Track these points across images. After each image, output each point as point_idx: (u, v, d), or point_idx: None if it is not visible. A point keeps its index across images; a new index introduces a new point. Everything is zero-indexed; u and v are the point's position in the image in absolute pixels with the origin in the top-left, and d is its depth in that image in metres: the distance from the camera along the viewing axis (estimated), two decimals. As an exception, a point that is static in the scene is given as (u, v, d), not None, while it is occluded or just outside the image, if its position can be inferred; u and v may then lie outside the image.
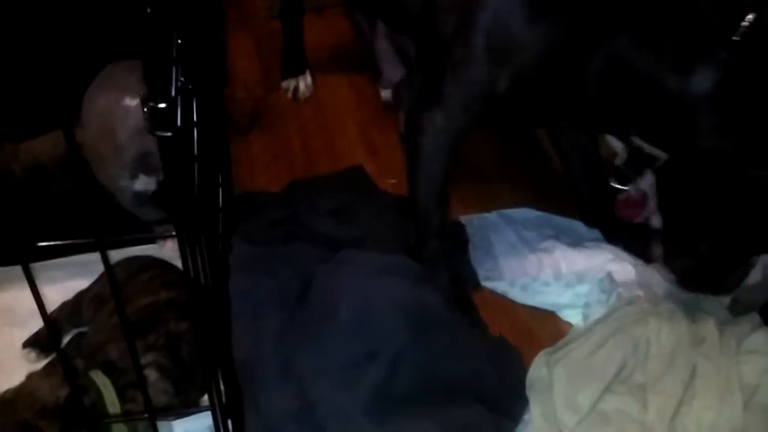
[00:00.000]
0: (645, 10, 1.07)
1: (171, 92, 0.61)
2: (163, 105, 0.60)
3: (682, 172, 1.17)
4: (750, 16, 0.98)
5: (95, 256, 0.78)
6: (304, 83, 1.92)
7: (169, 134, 0.61)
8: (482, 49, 1.12)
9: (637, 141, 1.15)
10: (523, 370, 1.25)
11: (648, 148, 1.14)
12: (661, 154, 1.15)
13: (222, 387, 1.13)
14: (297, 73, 1.92)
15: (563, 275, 1.39)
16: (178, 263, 0.77)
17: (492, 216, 1.55)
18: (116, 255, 1.32)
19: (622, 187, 1.28)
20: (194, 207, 0.69)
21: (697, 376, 1.19)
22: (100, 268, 1.31)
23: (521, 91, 1.16)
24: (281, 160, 1.79)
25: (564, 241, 1.47)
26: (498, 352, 1.28)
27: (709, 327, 1.26)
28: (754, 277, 1.27)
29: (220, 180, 1.24)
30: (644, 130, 1.14)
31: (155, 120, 0.60)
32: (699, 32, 1.03)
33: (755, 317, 1.29)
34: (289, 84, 1.93)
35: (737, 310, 1.30)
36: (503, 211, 1.57)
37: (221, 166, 1.36)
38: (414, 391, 1.15)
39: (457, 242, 1.47)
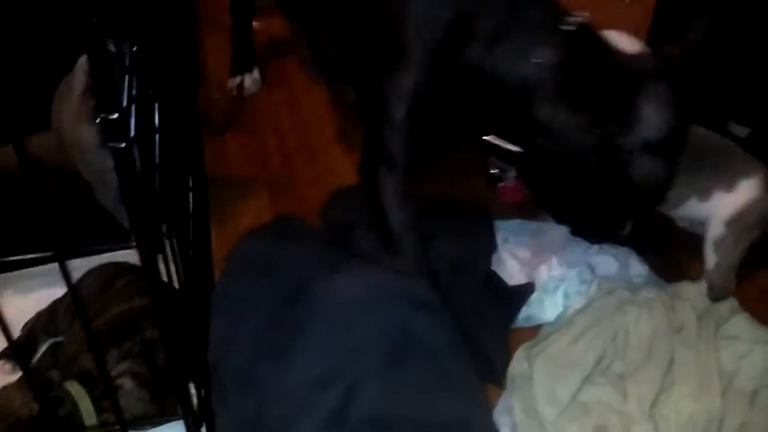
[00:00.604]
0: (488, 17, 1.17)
1: (123, 102, 0.60)
2: (115, 115, 0.59)
3: (537, 162, 1.28)
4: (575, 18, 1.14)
5: (72, 264, 0.77)
6: (251, 79, 1.92)
7: (123, 145, 0.60)
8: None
9: (493, 139, 1.28)
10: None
11: (504, 143, 1.28)
12: (515, 148, 1.28)
13: (201, 392, 1.13)
14: (244, 70, 1.92)
15: (548, 283, 1.37)
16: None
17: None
18: (92, 261, 1.31)
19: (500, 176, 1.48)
20: (153, 218, 0.68)
21: (676, 364, 1.20)
22: (76, 276, 1.32)
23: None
24: (257, 160, 1.77)
25: (545, 246, 1.45)
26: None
27: (687, 314, 1.26)
28: (711, 260, 1.33)
29: (191, 184, 1.22)
30: (497, 128, 1.29)
31: (107, 131, 0.59)
32: (531, 35, 1.16)
33: (733, 302, 1.29)
34: (234, 81, 1.92)
35: (715, 293, 1.31)
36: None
37: (193, 169, 1.34)
38: (374, 427, 1.07)
39: (503, 304, 1.37)
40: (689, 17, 1.38)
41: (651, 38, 1.59)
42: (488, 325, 1.32)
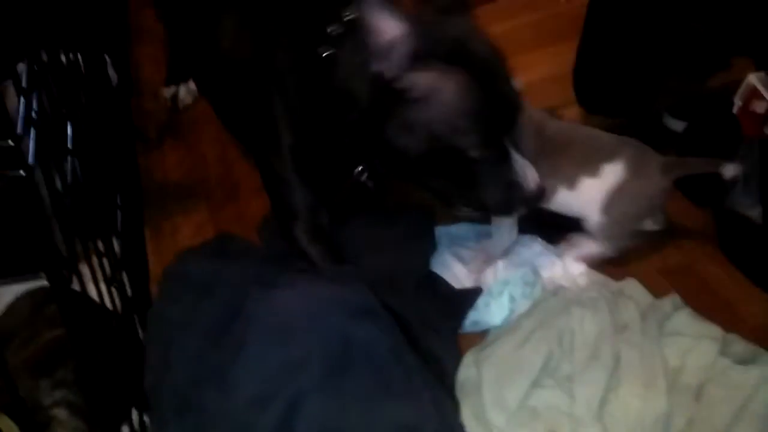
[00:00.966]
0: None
1: (17, 127, 0.56)
2: (8, 142, 0.55)
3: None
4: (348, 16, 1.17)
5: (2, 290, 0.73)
6: (185, 89, 1.89)
7: (22, 173, 0.56)
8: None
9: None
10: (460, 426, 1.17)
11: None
12: None
13: (136, 419, 1.10)
14: (179, 80, 1.88)
15: (494, 286, 1.35)
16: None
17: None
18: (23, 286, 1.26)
19: None
20: (65, 240, 0.64)
21: (622, 363, 1.19)
22: (7, 302, 1.26)
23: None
24: (196, 173, 1.73)
25: (491, 249, 1.43)
26: (443, 409, 1.17)
27: (630, 313, 1.26)
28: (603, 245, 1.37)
29: (119, 201, 1.18)
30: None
31: (2, 159, 0.55)
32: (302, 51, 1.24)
33: (675, 298, 1.29)
34: (169, 91, 1.89)
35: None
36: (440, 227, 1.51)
37: (123, 185, 1.29)
38: None
39: (449, 308, 1.36)
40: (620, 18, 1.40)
41: (585, 36, 1.60)
42: (435, 330, 1.30)
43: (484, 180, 1.19)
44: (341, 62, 1.18)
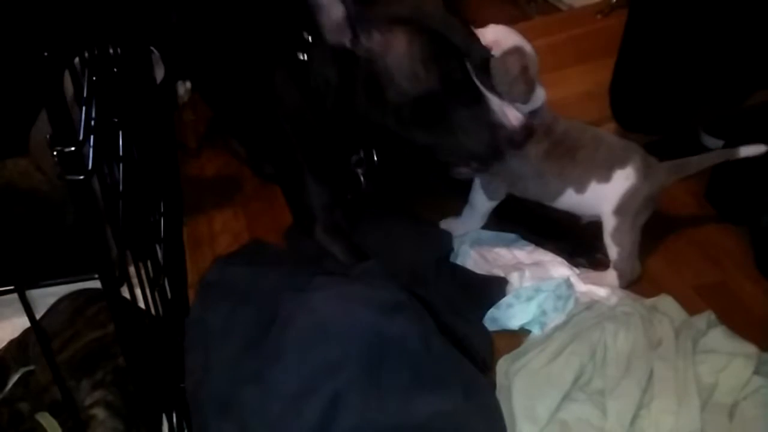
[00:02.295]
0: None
1: (79, 134, 0.59)
2: (71, 148, 0.58)
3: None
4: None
5: (44, 291, 0.76)
6: (183, 88, 1.95)
7: (81, 177, 0.59)
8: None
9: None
10: (499, 411, 1.19)
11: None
12: None
13: (174, 420, 1.12)
14: (176, 78, 1.94)
15: (522, 291, 1.36)
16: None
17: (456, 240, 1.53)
18: (66, 287, 1.29)
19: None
20: (117, 246, 0.67)
21: (655, 379, 1.19)
22: (50, 303, 1.30)
23: None
24: (234, 181, 1.77)
25: (519, 255, 1.47)
26: (478, 392, 1.19)
27: (665, 328, 1.26)
28: (613, 250, 1.40)
29: (162, 209, 1.21)
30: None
31: (63, 164, 0.58)
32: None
33: (710, 315, 1.29)
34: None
35: (626, 280, 1.39)
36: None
37: (166, 194, 1.33)
38: None
39: (475, 293, 1.40)
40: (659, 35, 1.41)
41: (622, 54, 1.60)
42: (463, 316, 1.34)
43: (463, 125, 1.26)
44: (316, 59, 1.32)
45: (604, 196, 1.36)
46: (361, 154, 1.44)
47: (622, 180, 1.34)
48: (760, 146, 1.31)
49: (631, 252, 1.38)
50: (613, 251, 1.38)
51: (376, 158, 1.44)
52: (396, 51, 1.24)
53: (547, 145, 1.37)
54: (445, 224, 1.53)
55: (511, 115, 1.25)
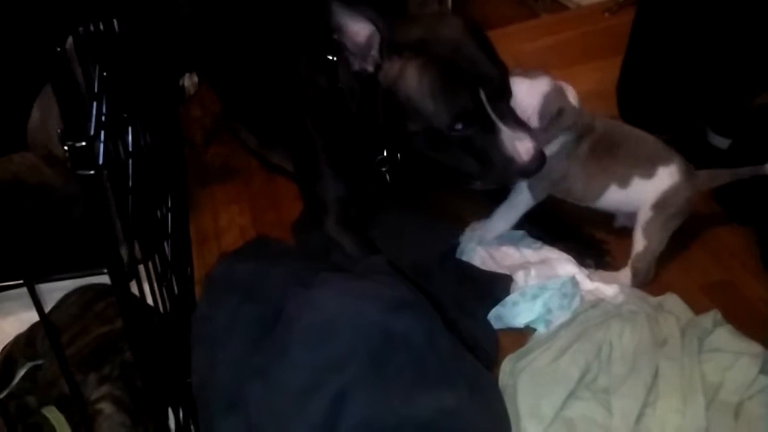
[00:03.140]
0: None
1: (90, 129, 0.59)
2: (82, 143, 0.58)
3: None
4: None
5: (52, 286, 0.76)
6: (190, 81, 1.96)
7: (91, 172, 0.59)
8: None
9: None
10: (504, 408, 1.20)
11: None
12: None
13: (180, 415, 1.12)
14: (183, 71, 1.94)
15: (528, 289, 1.36)
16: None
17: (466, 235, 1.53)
18: (74, 281, 1.30)
19: None
20: (126, 242, 0.67)
21: (660, 377, 1.19)
22: (57, 298, 1.30)
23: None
24: (240, 178, 1.77)
25: (526, 253, 1.47)
26: (484, 389, 1.20)
27: (670, 327, 1.26)
28: (639, 244, 1.39)
29: (170, 204, 1.21)
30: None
31: (74, 158, 0.58)
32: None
33: (716, 314, 1.29)
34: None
35: (639, 279, 1.39)
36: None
37: (173, 189, 1.33)
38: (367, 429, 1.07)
39: (480, 289, 1.41)
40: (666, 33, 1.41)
41: (630, 52, 1.60)
42: (469, 312, 1.35)
43: (474, 155, 1.27)
44: (342, 64, 1.31)
45: (646, 191, 1.37)
46: (385, 154, 1.43)
47: (666, 176, 1.35)
48: None
49: (654, 251, 1.38)
50: (639, 245, 1.38)
51: (399, 157, 1.44)
52: (407, 84, 1.24)
53: (590, 142, 1.38)
54: (479, 226, 1.51)
55: (522, 147, 1.24)
